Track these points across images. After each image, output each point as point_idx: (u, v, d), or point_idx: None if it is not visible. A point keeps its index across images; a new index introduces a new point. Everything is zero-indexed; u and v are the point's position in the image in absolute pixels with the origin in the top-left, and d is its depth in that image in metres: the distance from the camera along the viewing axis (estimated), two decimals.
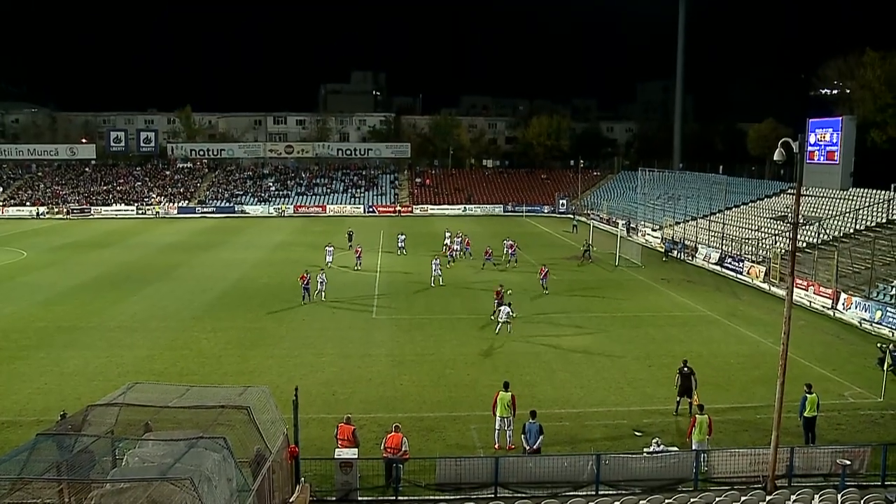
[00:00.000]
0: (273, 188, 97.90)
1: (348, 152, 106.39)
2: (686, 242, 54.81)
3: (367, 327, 31.99)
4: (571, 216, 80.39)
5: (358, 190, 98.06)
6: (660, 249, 56.75)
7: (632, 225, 68.43)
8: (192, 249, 56.58)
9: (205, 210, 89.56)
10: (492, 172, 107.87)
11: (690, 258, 52.53)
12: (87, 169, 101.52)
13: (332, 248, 46.38)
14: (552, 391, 23.70)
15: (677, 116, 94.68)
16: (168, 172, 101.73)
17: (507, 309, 30.94)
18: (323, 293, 37.19)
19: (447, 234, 54.95)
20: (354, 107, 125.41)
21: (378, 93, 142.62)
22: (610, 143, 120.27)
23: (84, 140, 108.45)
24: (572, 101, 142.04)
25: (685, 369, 21.83)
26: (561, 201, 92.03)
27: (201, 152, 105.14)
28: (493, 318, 32.20)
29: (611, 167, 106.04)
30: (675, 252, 54.08)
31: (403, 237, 54.35)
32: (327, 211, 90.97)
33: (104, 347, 28.47)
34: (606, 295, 39.38)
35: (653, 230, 64.36)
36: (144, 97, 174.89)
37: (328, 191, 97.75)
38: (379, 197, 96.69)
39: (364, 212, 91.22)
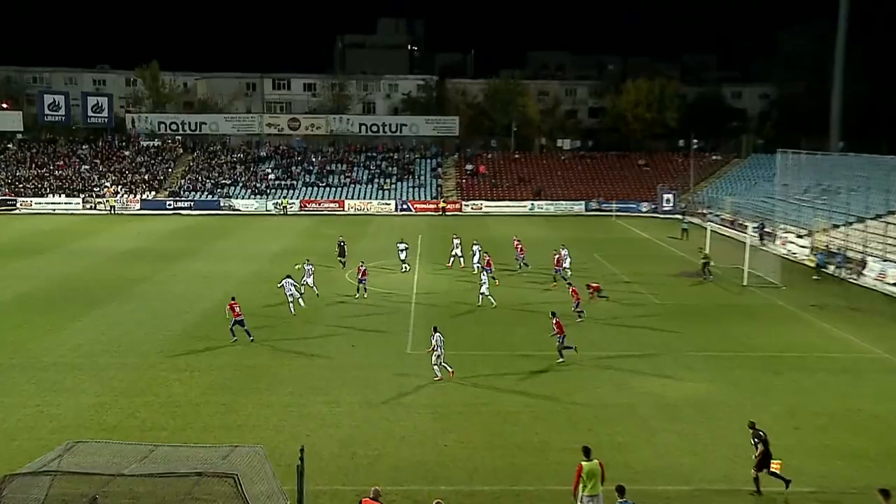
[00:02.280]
0: (272, 176, 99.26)
1: (374, 128, 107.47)
2: (848, 254, 53.97)
3: (400, 366, 31.82)
4: (680, 217, 79.78)
5: (387, 180, 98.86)
6: (809, 264, 55.90)
7: (767, 229, 67.75)
8: (161, 259, 57.30)
9: (178, 205, 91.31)
10: (570, 157, 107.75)
11: (855, 276, 51.73)
12: (10, 145, 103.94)
13: (311, 267, 44.84)
14: (653, 458, 23.30)
15: (838, 75, 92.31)
16: (127, 153, 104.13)
17: (440, 335, 30.42)
18: (296, 304, 39.79)
19: (455, 242, 54.78)
20: (382, 66, 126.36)
21: (415, 48, 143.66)
22: (736, 114, 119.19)
23: (5, 105, 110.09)
24: (682, 57, 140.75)
25: (761, 433, 21.53)
26: (665, 196, 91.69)
27: (173, 126, 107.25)
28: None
29: (737, 148, 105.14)
30: (833, 268, 53.23)
31: (405, 247, 53.33)
32: (346, 207, 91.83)
33: (33, 392, 28.65)
34: (729, 326, 39.05)
35: (798, 237, 63.46)
36: (93, 49, 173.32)
37: (347, 180, 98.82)
38: (416, 189, 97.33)
39: (395, 209, 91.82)
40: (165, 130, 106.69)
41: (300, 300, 40.43)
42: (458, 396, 28.42)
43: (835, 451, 22.09)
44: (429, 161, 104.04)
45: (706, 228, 60.52)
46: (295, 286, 40.65)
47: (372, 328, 37.53)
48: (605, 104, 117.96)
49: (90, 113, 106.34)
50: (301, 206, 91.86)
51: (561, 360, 32.38)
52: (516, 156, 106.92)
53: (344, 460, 23.02)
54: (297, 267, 45.40)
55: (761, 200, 79.31)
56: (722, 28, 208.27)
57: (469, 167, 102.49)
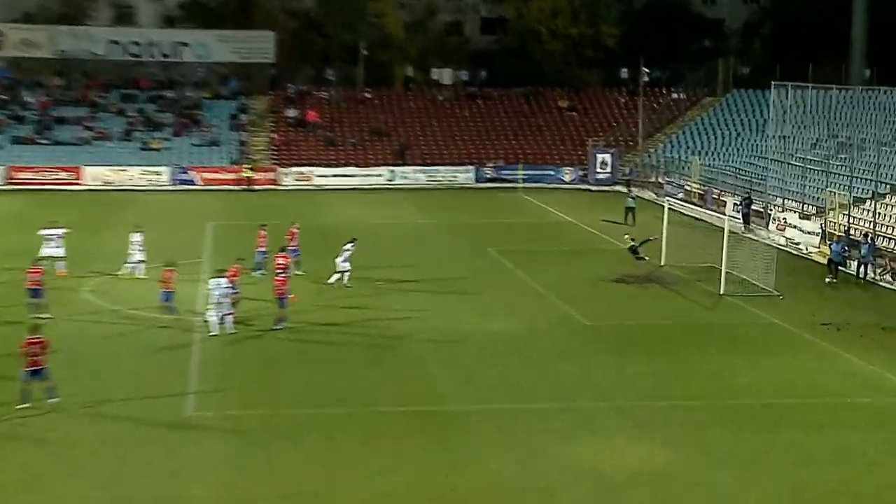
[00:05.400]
0: None
1: (135, 50, 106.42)
2: (876, 243, 55.26)
3: (174, 443, 30.82)
4: (624, 188, 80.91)
5: (157, 133, 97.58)
6: (820, 259, 57.23)
7: (755, 206, 69.26)
8: None
9: None
10: (452, 96, 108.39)
11: (890, 277, 53.16)
12: None
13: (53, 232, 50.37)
14: None
15: None
16: None
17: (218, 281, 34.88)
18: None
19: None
20: None
21: None
22: (709, 29, 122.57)
23: None
24: None
25: None
26: (600, 158, 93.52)
27: None
28: None
29: (709, 81, 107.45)
30: (862, 266, 54.18)
31: (352, 244, 54.12)
32: (85, 178, 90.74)
33: None
34: (699, 358, 39.84)
35: (803, 217, 65.13)
36: None
37: (90, 135, 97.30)
38: (204, 150, 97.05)
39: (170, 180, 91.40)
40: None
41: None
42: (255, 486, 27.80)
43: None
44: (227, 105, 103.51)
45: (663, 206, 61.06)
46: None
47: (128, 375, 36.63)
48: (507, 13, 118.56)
49: None
50: (6, 177, 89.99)
51: None
52: (367, 95, 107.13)
53: None
54: None
55: (747, 162, 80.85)
56: None
57: (291, 113, 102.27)
